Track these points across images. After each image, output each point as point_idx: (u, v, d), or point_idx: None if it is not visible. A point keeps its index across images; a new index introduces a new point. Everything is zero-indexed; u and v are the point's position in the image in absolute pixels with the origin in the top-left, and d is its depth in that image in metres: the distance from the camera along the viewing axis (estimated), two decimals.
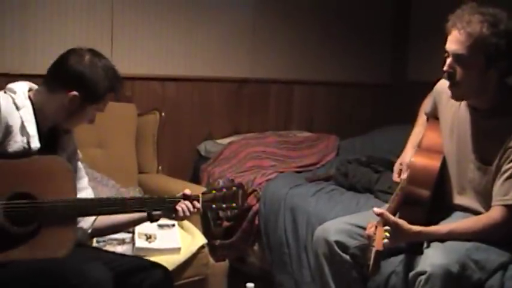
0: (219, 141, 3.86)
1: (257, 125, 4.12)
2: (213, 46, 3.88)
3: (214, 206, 2.06)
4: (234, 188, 2.07)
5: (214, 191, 2.07)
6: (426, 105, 2.42)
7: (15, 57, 3.13)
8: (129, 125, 3.26)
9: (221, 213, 2.10)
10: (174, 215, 2.03)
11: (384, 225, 1.94)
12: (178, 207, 2.00)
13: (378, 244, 1.86)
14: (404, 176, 2.26)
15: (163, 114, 3.38)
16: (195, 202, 2.02)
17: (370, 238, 1.99)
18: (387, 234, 1.89)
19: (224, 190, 2.06)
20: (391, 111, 4.47)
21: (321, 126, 4.36)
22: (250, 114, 4.12)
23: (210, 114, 3.94)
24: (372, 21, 4.58)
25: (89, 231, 2.08)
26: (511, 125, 2.01)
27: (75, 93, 1.88)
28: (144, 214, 2.04)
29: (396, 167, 2.36)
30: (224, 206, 2.06)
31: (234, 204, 2.07)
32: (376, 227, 1.95)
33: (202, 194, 2.06)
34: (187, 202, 2.01)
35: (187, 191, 2.03)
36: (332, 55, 4.42)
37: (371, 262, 1.88)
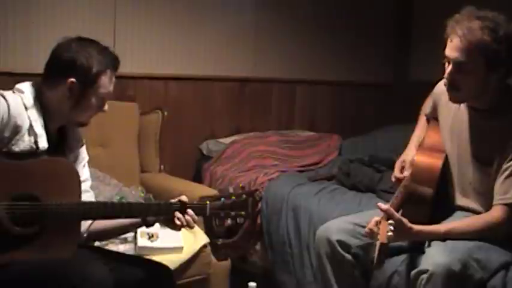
0: (221, 140, 3.87)
1: (259, 124, 4.12)
2: (216, 45, 3.88)
3: (222, 214, 1.97)
4: (244, 196, 1.99)
5: (223, 199, 1.98)
6: (426, 107, 2.42)
7: (18, 56, 3.13)
8: (132, 124, 3.26)
9: (229, 221, 2.02)
10: (171, 225, 1.96)
11: (388, 220, 1.94)
12: (177, 222, 1.93)
13: (382, 237, 1.86)
14: (406, 173, 2.26)
15: (165, 113, 3.38)
16: (189, 210, 1.94)
17: (372, 233, 1.99)
18: (391, 228, 1.89)
19: (233, 198, 1.98)
20: (393, 111, 4.47)
21: (323, 126, 4.36)
22: (252, 113, 4.12)
23: (212, 114, 3.94)
24: (374, 22, 4.58)
25: (85, 235, 2.04)
26: (509, 124, 2.01)
27: (72, 79, 1.86)
28: (139, 219, 1.99)
29: (398, 164, 2.36)
30: (233, 214, 1.97)
31: (243, 213, 1.98)
32: (380, 222, 1.95)
33: (210, 201, 1.97)
34: (188, 217, 1.93)
35: (184, 198, 1.95)
36: (334, 55, 4.42)
37: (375, 255, 1.88)
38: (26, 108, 1.85)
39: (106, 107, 1.97)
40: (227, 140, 3.84)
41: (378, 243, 1.88)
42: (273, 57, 4.15)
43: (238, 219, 1.99)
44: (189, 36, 3.76)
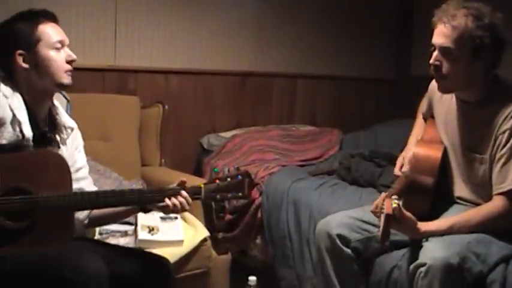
0: (222, 134, 3.87)
1: (260, 118, 4.12)
2: (217, 39, 3.88)
3: (218, 196, 1.95)
4: (240, 177, 1.96)
5: (217, 181, 1.95)
6: (422, 106, 2.45)
7: None
8: (133, 118, 3.27)
9: (227, 204, 1.98)
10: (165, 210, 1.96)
11: (391, 197, 1.95)
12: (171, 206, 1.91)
13: (388, 208, 1.87)
14: (405, 168, 2.27)
15: (166, 107, 3.38)
16: (183, 192, 1.92)
17: (378, 212, 2.01)
18: (396, 201, 1.91)
19: (228, 179, 1.95)
20: (394, 105, 4.47)
21: (324, 120, 4.36)
22: (253, 107, 4.12)
23: (213, 108, 3.94)
24: (375, 16, 4.58)
25: (85, 221, 2.05)
26: (499, 112, 2.03)
27: (18, 52, 1.86)
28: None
29: (398, 161, 2.37)
30: (229, 195, 1.95)
31: (240, 194, 1.96)
32: (383, 200, 1.97)
33: (205, 184, 1.96)
34: (181, 199, 1.92)
35: (184, 179, 1.95)
36: (336, 49, 4.42)
37: (381, 228, 1.89)
38: (5, 97, 1.84)
39: (72, 56, 1.93)
40: (228, 134, 3.84)
41: (383, 217, 1.89)
42: (274, 52, 4.15)
43: (236, 202, 1.96)
44: (190, 29, 3.76)
